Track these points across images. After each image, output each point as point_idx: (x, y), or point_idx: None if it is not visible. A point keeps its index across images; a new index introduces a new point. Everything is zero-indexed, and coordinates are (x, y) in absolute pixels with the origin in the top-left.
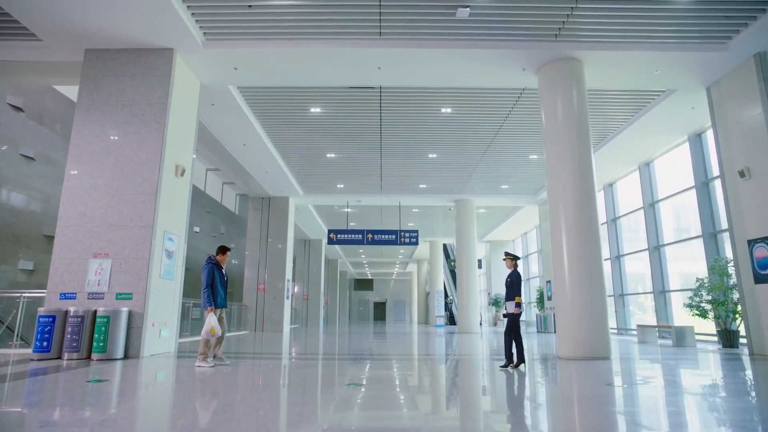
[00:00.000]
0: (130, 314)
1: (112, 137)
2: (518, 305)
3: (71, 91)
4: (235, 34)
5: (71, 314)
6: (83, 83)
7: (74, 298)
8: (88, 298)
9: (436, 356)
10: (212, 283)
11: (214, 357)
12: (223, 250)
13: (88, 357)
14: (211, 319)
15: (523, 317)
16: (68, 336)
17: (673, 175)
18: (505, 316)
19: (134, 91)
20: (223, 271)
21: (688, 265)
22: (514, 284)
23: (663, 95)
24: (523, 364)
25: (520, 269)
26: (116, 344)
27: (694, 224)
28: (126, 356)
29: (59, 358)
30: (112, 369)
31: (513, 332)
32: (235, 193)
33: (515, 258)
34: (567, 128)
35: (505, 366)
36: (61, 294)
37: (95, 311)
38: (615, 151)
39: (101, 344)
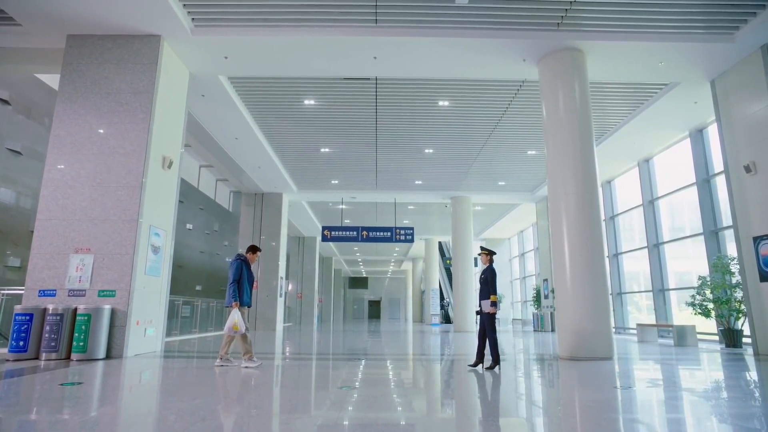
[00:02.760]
0: (112, 312)
1: (95, 127)
2: (494, 304)
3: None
4: (226, 21)
5: (50, 312)
6: (65, 70)
7: (54, 295)
8: (69, 296)
9: (432, 356)
10: (239, 280)
11: (220, 358)
12: (253, 249)
13: (68, 357)
14: (235, 315)
15: (519, 316)
16: (46, 335)
17: (673, 172)
18: (478, 313)
19: (119, 80)
20: (251, 270)
21: (683, 263)
22: (489, 281)
23: (666, 89)
24: (481, 365)
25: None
26: (97, 344)
27: (688, 223)
28: (108, 356)
29: (37, 358)
30: (92, 370)
31: (489, 331)
32: (228, 191)
33: (491, 253)
34: (569, 121)
35: (491, 367)
36: (40, 291)
37: (75, 309)
38: (614, 147)
39: (81, 344)
